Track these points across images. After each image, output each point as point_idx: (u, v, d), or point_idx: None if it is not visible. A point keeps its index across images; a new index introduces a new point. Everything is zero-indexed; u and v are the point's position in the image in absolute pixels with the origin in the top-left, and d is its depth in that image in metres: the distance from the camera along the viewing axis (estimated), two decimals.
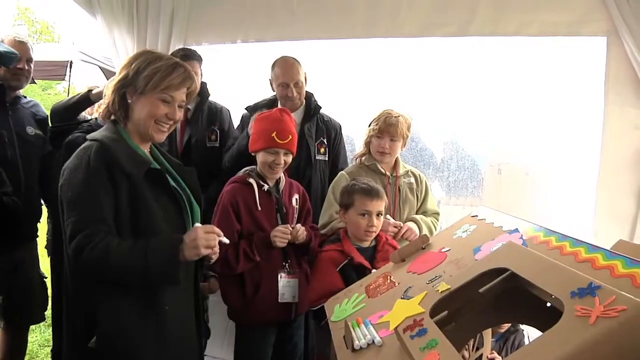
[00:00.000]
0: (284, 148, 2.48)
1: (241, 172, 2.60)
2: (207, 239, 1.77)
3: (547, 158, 4.17)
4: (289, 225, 2.55)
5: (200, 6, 3.89)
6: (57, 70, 7.99)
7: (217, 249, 1.84)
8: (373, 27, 3.63)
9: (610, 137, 3.52)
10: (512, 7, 3.47)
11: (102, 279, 1.73)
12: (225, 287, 2.66)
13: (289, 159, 2.54)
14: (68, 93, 9.22)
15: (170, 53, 3.31)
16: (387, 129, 2.74)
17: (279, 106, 3.09)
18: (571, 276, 1.17)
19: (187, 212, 1.93)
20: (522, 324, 2.52)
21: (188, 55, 3.10)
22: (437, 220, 2.92)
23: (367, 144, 2.85)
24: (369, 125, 2.85)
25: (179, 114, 1.90)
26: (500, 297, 1.44)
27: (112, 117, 1.89)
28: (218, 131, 3.31)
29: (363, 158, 2.86)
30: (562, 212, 4.08)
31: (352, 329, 1.63)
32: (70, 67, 7.59)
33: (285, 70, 3.08)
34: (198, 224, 1.90)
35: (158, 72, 1.79)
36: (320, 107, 3.16)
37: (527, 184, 4.47)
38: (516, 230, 1.77)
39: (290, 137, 2.47)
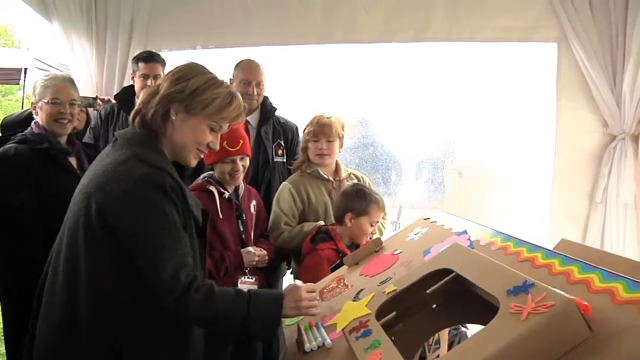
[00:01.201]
0: (237, 155, 2.45)
1: (200, 179, 2.58)
2: (309, 299, 1.68)
3: (505, 161, 4.27)
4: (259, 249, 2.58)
5: (160, 12, 3.86)
6: (14, 74, 7.78)
7: (317, 311, 1.73)
8: (331, 33, 3.67)
9: (563, 139, 3.64)
10: (466, 13, 3.56)
11: (197, 321, 1.64)
12: None
13: (247, 162, 2.52)
14: (22, 102, 8.94)
15: (134, 55, 3.27)
16: (321, 130, 2.73)
17: None
18: (509, 275, 1.21)
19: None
20: (474, 324, 2.56)
21: (152, 57, 3.10)
22: (385, 219, 2.92)
23: (305, 149, 2.83)
24: (304, 131, 2.84)
25: (219, 145, 1.80)
26: (451, 299, 1.48)
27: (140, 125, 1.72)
28: None
29: (303, 166, 2.84)
30: (520, 214, 4.18)
31: (303, 332, 1.64)
32: (25, 73, 7.40)
33: (250, 69, 3.08)
34: (299, 282, 1.84)
35: (217, 99, 1.65)
36: (276, 109, 3.17)
37: (487, 186, 4.55)
38: (465, 232, 1.81)
39: (242, 141, 2.45)
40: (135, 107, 1.71)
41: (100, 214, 1.52)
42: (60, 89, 2.54)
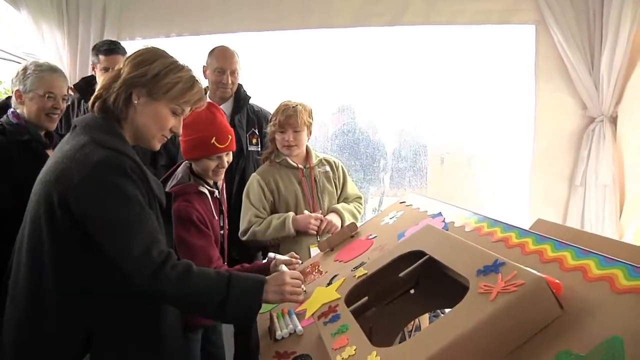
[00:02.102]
0: (226, 151, 2.30)
1: (185, 180, 2.42)
2: (293, 285, 1.65)
3: (485, 145, 4.26)
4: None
5: (133, 0, 3.79)
6: None
7: (301, 297, 1.68)
8: (307, 18, 3.61)
9: (541, 123, 3.64)
10: None
11: (172, 300, 1.59)
12: None
13: (231, 157, 2.37)
14: None
15: (94, 45, 3.17)
16: (287, 121, 2.64)
17: (209, 95, 3.01)
18: (479, 255, 1.18)
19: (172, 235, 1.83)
20: (452, 308, 2.55)
21: (113, 49, 2.98)
22: (360, 204, 2.87)
23: (272, 140, 2.75)
24: (269, 122, 2.76)
25: (181, 128, 1.78)
26: (429, 283, 1.44)
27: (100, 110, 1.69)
28: None
29: (272, 156, 2.77)
30: (501, 198, 4.18)
31: (275, 320, 1.60)
32: None
33: (225, 57, 3.02)
34: (284, 268, 1.81)
35: (179, 83, 1.65)
36: (250, 97, 3.11)
37: (469, 172, 4.54)
38: (439, 214, 1.78)
39: (230, 137, 2.29)
40: (95, 92, 1.68)
41: (62, 202, 1.49)
42: (55, 83, 2.44)
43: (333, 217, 2.68)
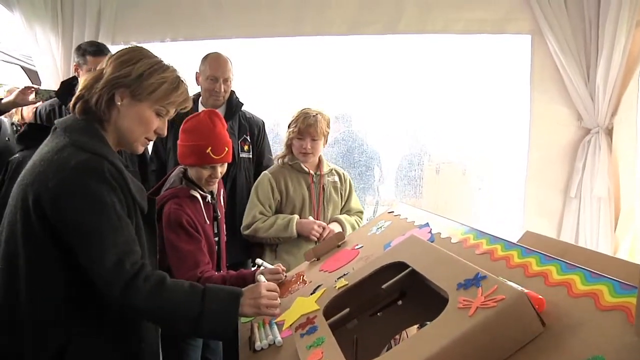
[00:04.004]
0: (220, 162, 2.26)
1: (177, 183, 2.39)
2: (269, 297, 1.61)
3: (480, 156, 4.23)
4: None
5: (129, 4, 3.75)
6: None
7: (277, 311, 1.64)
8: (301, 25, 3.58)
9: (536, 133, 3.61)
10: (438, 4, 3.49)
11: (144, 315, 1.54)
12: None
13: (225, 168, 2.34)
14: None
15: (77, 45, 3.12)
16: (307, 130, 2.69)
17: (201, 102, 3.00)
18: (460, 268, 1.14)
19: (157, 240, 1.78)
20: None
21: (102, 50, 2.94)
22: (361, 219, 2.91)
23: (289, 146, 2.79)
24: (289, 127, 2.79)
25: (166, 130, 1.73)
26: (414, 295, 1.40)
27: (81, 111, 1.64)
28: None
29: (285, 158, 2.80)
30: (496, 209, 4.14)
31: (256, 330, 1.56)
32: None
33: (218, 65, 2.98)
34: (262, 278, 1.79)
35: (164, 84, 1.61)
36: (242, 104, 3.08)
37: (464, 182, 4.52)
38: (426, 224, 1.74)
39: (227, 149, 2.24)
40: (77, 93, 1.62)
41: (37, 206, 1.44)
42: None
43: (335, 227, 2.72)
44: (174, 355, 2.47)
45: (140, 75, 1.58)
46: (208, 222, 2.31)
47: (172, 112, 1.68)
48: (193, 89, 3.16)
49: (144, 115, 1.61)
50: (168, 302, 1.48)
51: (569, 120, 3.53)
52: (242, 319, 1.79)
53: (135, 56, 1.61)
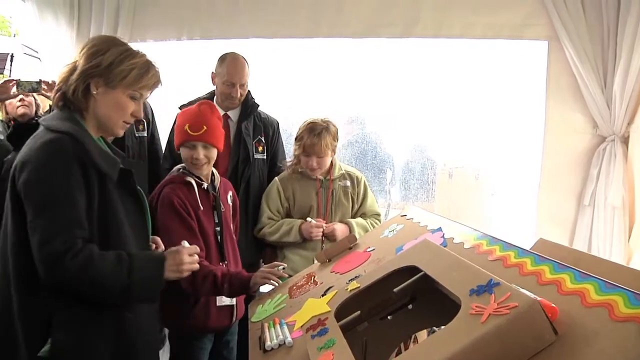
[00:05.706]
0: (198, 140, 2.30)
1: (175, 172, 2.47)
2: (191, 262, 1.74)
3: (494, 161, 4.21)
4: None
5: (146, 2, 3.79)
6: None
7: (197, 267, 1.79)
8: (317, 26, 3.58)
9: (551, 140, 3.56)
10: (456, 8, 3.47)
11: (76, 289, 1.57)
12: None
13: (212, 153, 2.36)
14: None
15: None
16: (312, 148, 2.71)
17: (216, 102, 3.00)
18: (473, 274, 1.14)
19: (148, 214, 1.84)
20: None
21: None
22: (379, 220, 2.89)
23: (297, 157, 2.83)
24: (295, 140, 2.82)
25: (142, 112, 1.83)
26: (426, 299, 1.40)
27: (62, 105, 1.73)
28: (144, 121, 3.19)
29: (296, 167, 2.84)
30: (508, 215, 4.11)
31: (266, 330, 1.57)
32: (12, 60, 7.24)
33: (235, 70, 2.97)
34: (185, 243, 1.84)
35: (134, 69, 1.70)
36: (258, 105, 3.08)
37: (477, 188, 4.50)
38: (439, 229, 1.74)
39: (205, 128, 2.29)
40: (55, 87, 1.74)
41: (15, 189, 1.57)
42: None
43: (339, 226, 2.77)
44: (182, 358, 2.50)
45: (111, 64, 1.68)
46: (202, 207, 2.36)
47: (146, 95, 1.79)
48: (207, 87, 3.19)
49: (119, 102, 1.71)
50: (97, 276, 1.54)
51: (585, 127, 3.48)
52: (254, 318, 1.81)
53: (104, 46, 1.71)
